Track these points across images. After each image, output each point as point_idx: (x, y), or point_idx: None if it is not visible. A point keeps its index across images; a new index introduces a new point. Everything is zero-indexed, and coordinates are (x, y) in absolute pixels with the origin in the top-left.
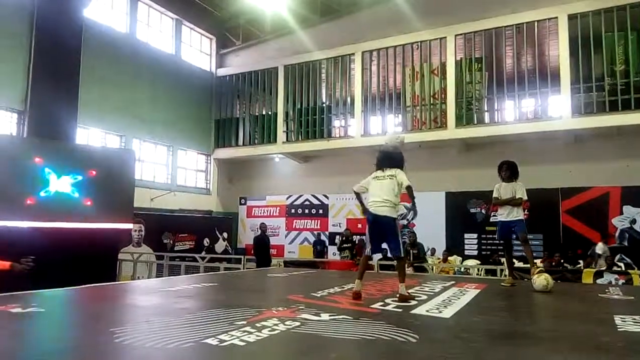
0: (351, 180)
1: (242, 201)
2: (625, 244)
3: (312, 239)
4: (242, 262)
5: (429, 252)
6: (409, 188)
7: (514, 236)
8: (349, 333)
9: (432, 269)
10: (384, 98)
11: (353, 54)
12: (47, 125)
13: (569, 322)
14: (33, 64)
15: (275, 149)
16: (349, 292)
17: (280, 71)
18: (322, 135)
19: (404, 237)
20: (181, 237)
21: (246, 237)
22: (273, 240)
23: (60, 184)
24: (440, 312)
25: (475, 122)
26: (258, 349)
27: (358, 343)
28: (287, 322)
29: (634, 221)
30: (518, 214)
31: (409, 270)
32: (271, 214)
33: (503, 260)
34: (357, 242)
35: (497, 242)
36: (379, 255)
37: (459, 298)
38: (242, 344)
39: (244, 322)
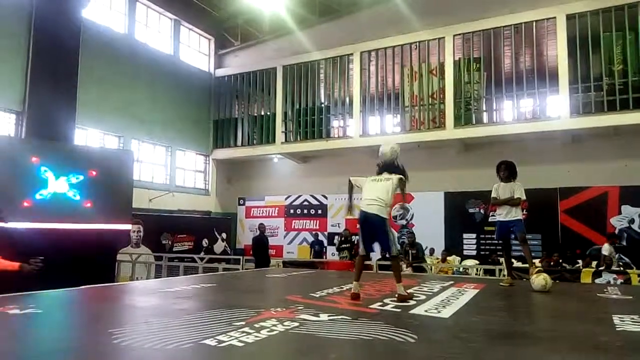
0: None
1: (241, 202)
2: (624, 243)
3: (310, 239)
4: (241, 263)
5: (427, 252)
6: (400, 179)
7: (513, 236)
8: (348, 333)
9: (431, 269)
10: (382, 98)
11: (351, 54)
12: (46, 126)
13: (568, 322)
14: (31, 65)
15: (274, 150)
16: (347, 292)
17: (278, 71)
18: (320, 136)
19: (403, 237)
20: (180, 238)
21: (245, 237)
22: (272, 241)
23: (59, 185)
24: (439, 312)
25: (474, 122)
26: (257, 350)
27: (356, 343)
28: (285, 323)
29: (632, 221)
30: (516, 214)
31: (407, 271)
32: (270, 214)
33: (502, 260)
34: (356, 242)
35: (496, 242)
36: (377, 256)
37: (457, 298)
38: (240, 344)
39: (243, 323)
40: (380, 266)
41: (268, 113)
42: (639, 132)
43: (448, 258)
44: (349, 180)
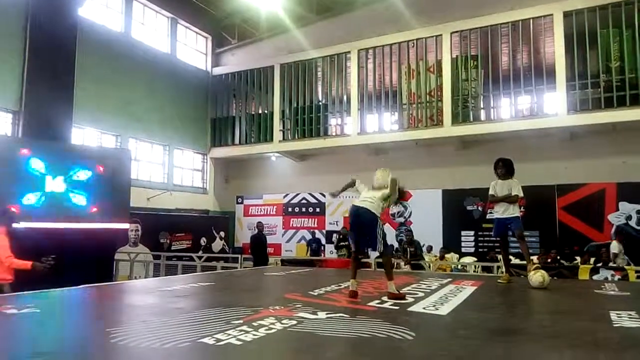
0: (348, 178)
1: (239, 200)
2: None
3: (308, 237)
4: (239, 261)
5: (425, 250)
6: (393, 180)
7: (510, 233)
8: (346, 331)
9: (429, 267)
10: (380, 96)
11: (349, 52)
12: (43, 126)
13: (566, 319)
14: (28, 64)
15: (272, 148)
16: (345, 290)
17: (276, 70)
18: (318, 134)
19: (401, 234)
20: (178, 237)
21: (243, 236)
22: (270, 239)
23: (56, 185)
24: (437, 309)
25: (472, 119)
26: (255, 348)
27: (355, 341)
28: (284, 321)
29: (629, 217)
30: (514, 211)
31: (405, 268)
32: (268, 212)
33: (500, 257)
34: None
35: (494, 239)
36: (376, 253)
37: (455, 295)
38: (239, 343)
39: (241, 321)
40: (378, 264)
41: (266, 111)
42: (636, 128)
43: (446, 255)
44: (355, 180)
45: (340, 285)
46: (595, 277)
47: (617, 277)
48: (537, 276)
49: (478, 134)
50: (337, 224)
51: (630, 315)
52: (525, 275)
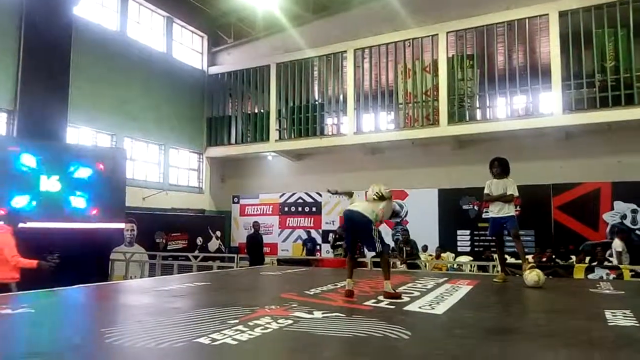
0: (345, 177)
1: (235, 200)
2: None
3: (304, 237)
4: (236, 261)
5: (420, 249)
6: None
7: (506, 232)
8: (342, 330)
9: (425, 266)
10: (376, 96)
11: (345, 51)
12: (37, 125)
13: (561, 317)
14: (22, 63)
15: (268, 147)
16: (341, 289)
17: (272, 69)
18: (315, 133)
19: (397, 234)
20: (174, 237)
21: (239, 235)
22: (266, 239)
23: (50, 184)
24: (433, 308)
25: (467, 119)
26: (251, 348)
27: (351, 340)
28: (280, 321)
29: (624, 217)
30: (509, 211)
31: (402, 267)
32: (264, 212)
33: (495, 256)
34: None
35: (490, 238)
36: (372, 252)
37: (451, 294)
38: (234, 342)
39: (237, 321)
40: (374, 263)
41: (262, 111)
42: (631, 128)
43: (442, 255)
44: (353, 192)
45: (337, 285)
46: (590, 276)
47: (612, 276)
48: (532, 275)
49: (474, 133)
50: (333, 224)
51: (625, 314)
52: (521, 275)
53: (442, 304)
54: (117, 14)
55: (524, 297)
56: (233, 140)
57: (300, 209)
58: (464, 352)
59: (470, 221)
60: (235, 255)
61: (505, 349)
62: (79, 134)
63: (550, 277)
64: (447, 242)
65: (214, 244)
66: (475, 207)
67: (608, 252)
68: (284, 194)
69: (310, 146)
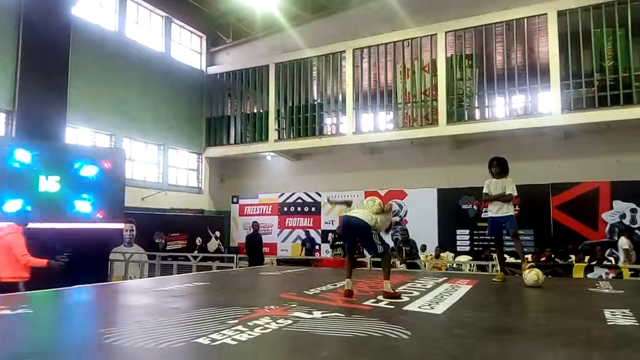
0: (344, 177)
1: (234, 200)
2: (615, 238)
3: (304, 237)
4: (235, 261)
5: (419, 249)
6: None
7: (505, 232)
8: (342, 330)
9: (425, 266)
10: (375, 95)
11: (344, 51)
12: (36, 125)
13: (560, 317)
14: (21, 63)
15: (267, 147)
16: (341, 289)
17: (271, 69)
18: (313, 133)
19: (397, 234)
20: (173, 237)
21: (238, 235)
22: (265, 239)
23: (49, 184)
24: (433, 308)
25: (466, 118)
26: (250, 348)
27: (350, 340)
28: (279, 321)
29: (623, 216)
30: (508, 210)
31: (401, 267)
32: (263, 212)
33: (494, 256)
34: None
35: (489, 238)
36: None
37: (450, 294)
38: (234, 343)
39: (236, 321)
40: (374, 263)
41: (261, 111)
42: (629, 127)
43: (441, 254)
44: (352, 202)
45: (336, 285)
46: (589, 276)
47: (611, 275)
48: (531, 275)
49: (473, 133)
50: (332, 224)
51: (624, 313)
52: (520, 274)
53: (442, 304)
54: (116, 14)
55: (523, 297)
56: (232, 141)
57: (299, 209)
58: (464, 352)
59: (469, 221)
60: (235, 256)
61: (504, 348)
62: (78, 134)
63: (550, 276)
64: (446, 242)
65: (213, 244)
66: (475, 207)
67: (608, 252)
68: (283, 194)
69: (309, 146)
